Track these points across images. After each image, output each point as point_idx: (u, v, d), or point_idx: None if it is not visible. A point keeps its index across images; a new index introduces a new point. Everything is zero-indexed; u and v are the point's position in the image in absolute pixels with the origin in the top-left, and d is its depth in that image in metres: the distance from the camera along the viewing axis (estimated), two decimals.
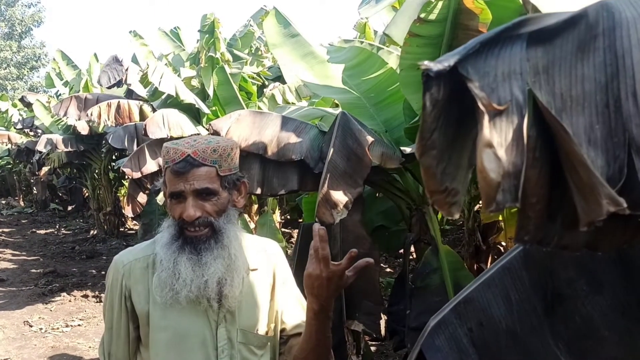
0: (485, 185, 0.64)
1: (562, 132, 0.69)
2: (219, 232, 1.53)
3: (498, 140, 0.64)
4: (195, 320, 1.57)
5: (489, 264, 4.00)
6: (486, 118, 0.64)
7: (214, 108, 6.54)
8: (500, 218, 4.02)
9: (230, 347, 1.59)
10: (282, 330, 1.75)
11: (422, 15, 2.55)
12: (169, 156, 1.53)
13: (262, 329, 1.66)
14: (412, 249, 3.56)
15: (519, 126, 0.65)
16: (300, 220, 6.66)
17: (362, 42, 4.77)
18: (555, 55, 0.72)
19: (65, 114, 7.65)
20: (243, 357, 1.61)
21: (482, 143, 0.63)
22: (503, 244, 4.17)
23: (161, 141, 5.91)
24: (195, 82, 7.04)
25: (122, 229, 11.29)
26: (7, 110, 15.90)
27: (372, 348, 4.45)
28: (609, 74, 0.71)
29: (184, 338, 1.57)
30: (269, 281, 1.71)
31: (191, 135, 6.05)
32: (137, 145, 6.71)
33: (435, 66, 0.65)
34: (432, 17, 2.55)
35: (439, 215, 3.63)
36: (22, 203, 17.23)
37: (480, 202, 3.96)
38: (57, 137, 9.55)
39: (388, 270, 7.16)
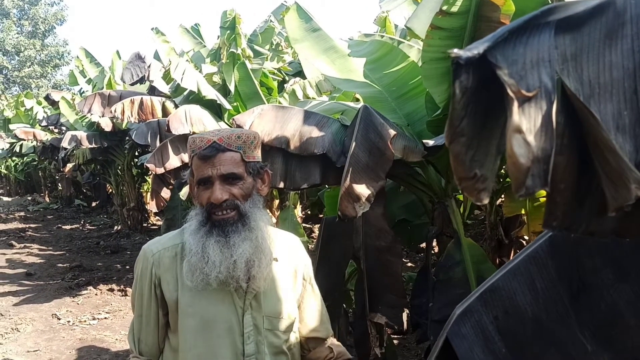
0: (515, 170, 0.65)
1: (591, 119, 0.70)
2: (245, 215, 1.58)
3: (527, 126, 0.65)
4: (222, 307, 1.62)
5: (511, 258, 3.98)
6: (515, 104, 0.65)
7: (235, 104, 6.59)
8: (523, 212, 4.00)
9: (257, 334, 1.64)
10: (300, 329, 1.81)
11: (445, 8, 2.54)
12: (195, 145, 1.59)
13: (286, 314, 1.70)
14: (435, 242, 3.56)
15: (548, 112, 0.66)
16: (321, 216, 6.68)
17: (382, 37, 4.77)
18: (583, 43, 0.73)
19: (89, 111, 7.75)
20: (269, 342, 1.66)
21: (511, 128, 0.64)
22: (526, 237, 4.14)
23: (184, 137, 5.97)
24: (216, 78, 7.08)
25: (146, 225, 11.42)
26: (32, 108, 16.19)
27: (395, 341, 4.47)
28: (637, 60, 0.72)
29: (211, 324, 1.61)
30: (291, 271, 1.76)
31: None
32: (160, 141, 6.77)
33: (465, 54, 0.66)
34: (455, 9, 2.54)
35: (462, 209, 3.63)
36: (47, 199, 17.52)
37: (503, 196, 3.96)
38: (81, 134, 9.69)
39: (409, 265, 7.16)
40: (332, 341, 1.88)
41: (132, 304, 1.74)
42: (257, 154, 1.64)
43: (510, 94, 0.65)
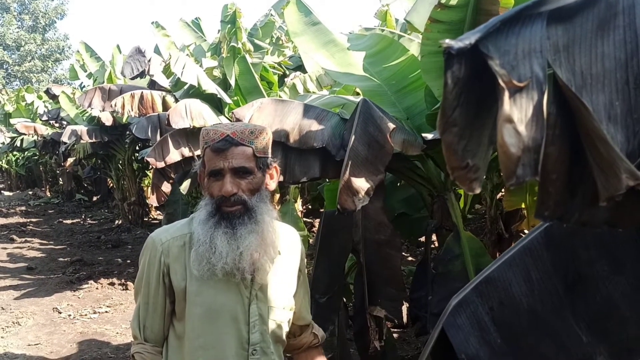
0: (505, 159, 0.65)
1: (583, 109, 0.71)
2: (252, 209, 1.61)
3: (518, 116, 0.65)
4: (229, 296, 1.66)
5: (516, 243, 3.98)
6: (506, 94, 0.65)
7: (235, 98, 6.58)
8: (523, 206, 4.00)
9: (262, 323, 1.69)
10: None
11: (443, 1, 2.54)
12: (208, 137, 1.63)
13: (288, 305, 1.77)
14: (434, 236, 3.56)
15: (539, 102, 0.67)
16: (322, 210, 6.68)
17: (383, 30, 4.76)
18: (576, 34, 0.73)
19: (89, 105, 7.75)
20: (272, 332, 1.71)
21: (502, 118, 0.65)
22: (526, 231, 4.14)
23: (184, 131, 5.97)
24: (217, 72, 7.08)
25: (146, 219, 11.43)
26: (32, 102, 16.16)
27: (394, 335, 4.48)
28: (629, 51, 0.72)
29: (217, 313, 1.65)
30: (293, 264, 1.82)
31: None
32: (161, 136, 6.77)
33: (457, 44, 0.67)
34: (453, 2, 2.54)
35: (461, 202, 3.63)
36: (48, 194, 17.53)
37: (503, 190, 3.96)
38: (82, 128, 9.68)
39: (410, 259, 7.17)
40: (314, 325, 1.97)
41: (136, 291, 1.76)
42: (268, 150, 1.68)
43: (502, 84, 0.66)
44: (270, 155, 1.69)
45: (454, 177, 0.73)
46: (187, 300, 1.65)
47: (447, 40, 0.67)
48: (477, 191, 0.72)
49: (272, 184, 1.70)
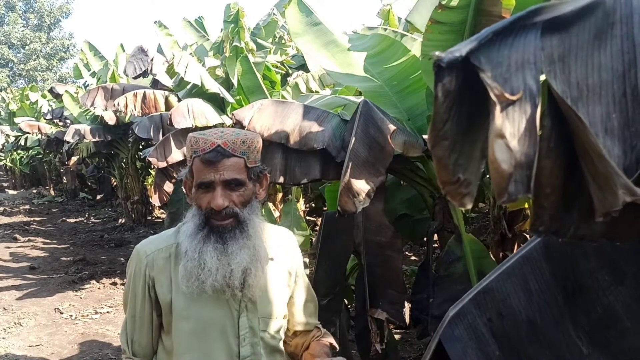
0: (496, 176, 0.63)
1: (578, 122, 0.68)
2: (244, 222, 1.55)
3: (510, 130, 0.63)
4: (217, 310, 1.60)
5: (514, 252, 3.96)
6: (498, 108, 0.63)
7: (238, 97, 6.57)
8: (527, 206, 3.97)
9: (252, 335, 1.63)
10: (289, 321, 1.80)
11: (444, 2, 2.51)
12: (197, 146, 1.53)
13: (280, 314, 1.70)
14: (436, 237, 3.54)
15: (532, 116, 0.64)
16: (325, 209, 6.66)
17: (385, 29, 4.73)
18: (572, 44, 0.71)
19: (92, 105, 7.74)
20: (265, 343, 1.65)
21: (493, 134, 0.63)
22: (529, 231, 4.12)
23: (186, 131, 5.96)
24: (219, 72, 7.07)
25: (150, 218, 11.43)
26: (37, 101, 16.21)
27: (396, 336, 4.46)
28: (626, 62, 0.70)
29: (205, 327, 1.60)
30: (286, 270, 1.75)
31: (216, 126, 6.11)
32: (163, 135, 6.78)
33: (447, 56, 0.64)
34: (454, 3, 2.51)
35: None
36: (52, 192, 17.55)
37: None
38: (85, 128, 9.68)
39: (413, 258, 7.14)
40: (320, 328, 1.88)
41: (124, 304, 1.72)
42: (259, 157, 1.61)
43: (493, 97, 0.63)
44: (260, 163, 1.62)
45: (445, 192, 0.70)
46: (174, 315, 1.60)
47: (437, 53, 0.64)
48: (469, 207, 0.70)
49: (262, 193, 1.64)
